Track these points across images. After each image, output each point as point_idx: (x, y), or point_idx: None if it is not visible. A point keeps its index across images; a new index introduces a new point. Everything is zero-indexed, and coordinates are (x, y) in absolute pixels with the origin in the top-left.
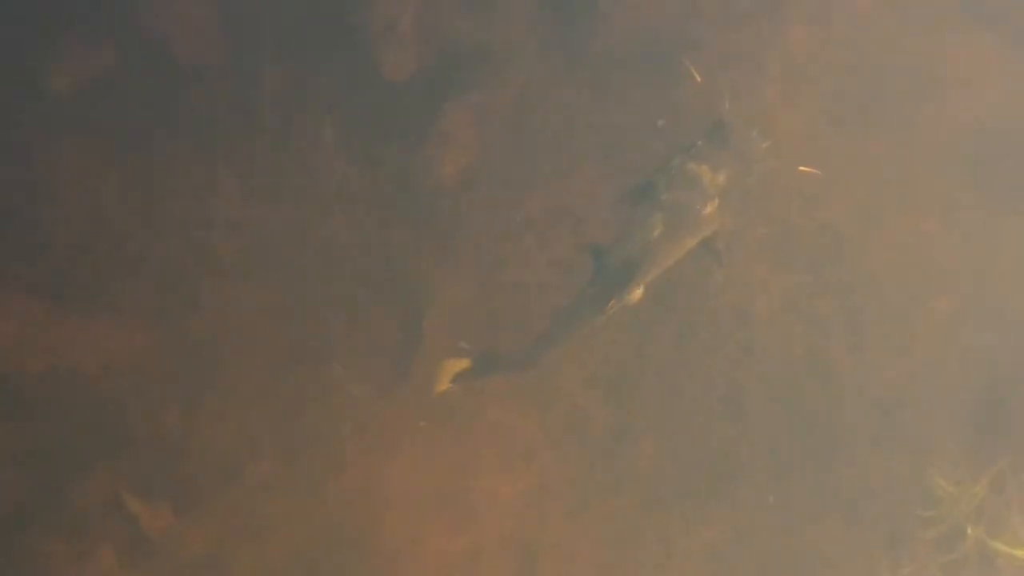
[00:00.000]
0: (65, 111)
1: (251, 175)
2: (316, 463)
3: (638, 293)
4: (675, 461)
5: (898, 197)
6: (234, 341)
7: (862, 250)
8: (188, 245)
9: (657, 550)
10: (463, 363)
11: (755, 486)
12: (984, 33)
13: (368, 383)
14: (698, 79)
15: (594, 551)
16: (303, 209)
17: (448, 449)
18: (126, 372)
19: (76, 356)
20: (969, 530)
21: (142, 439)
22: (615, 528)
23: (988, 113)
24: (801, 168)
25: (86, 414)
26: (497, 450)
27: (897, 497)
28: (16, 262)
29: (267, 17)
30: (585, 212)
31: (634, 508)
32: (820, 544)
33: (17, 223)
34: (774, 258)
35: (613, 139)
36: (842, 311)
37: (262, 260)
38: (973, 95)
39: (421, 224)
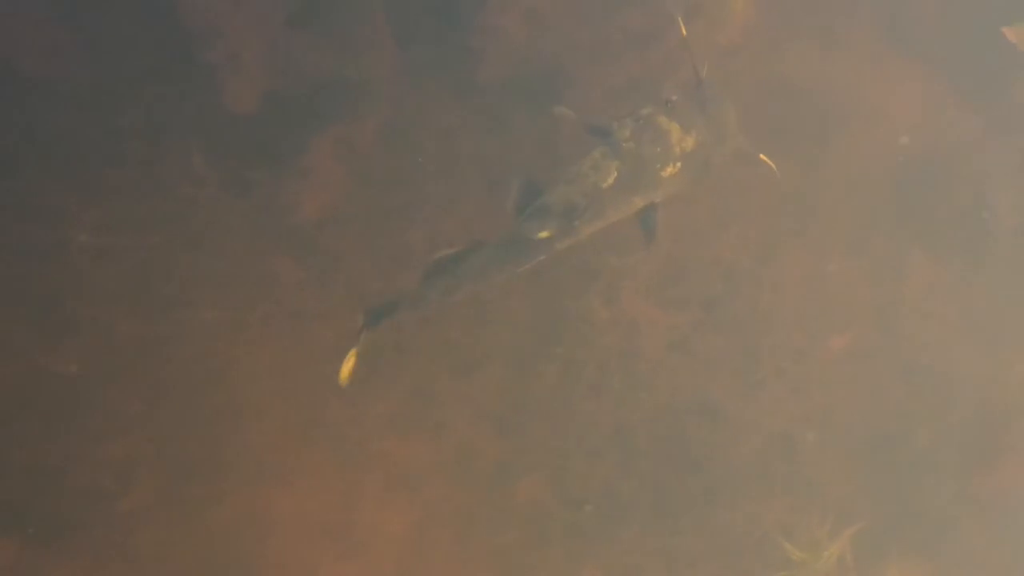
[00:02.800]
0: None
1: (116, 202)
2: (195, 492)
3: (564, 246)
4: (561, 499)
5: (799, 231)
6: (105, 368)
7: (757, 287)
8: (53, 272)
9: None
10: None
11: (638, 527)
12: (902, 64)
13: (248, 410)
14: (684, 32)
15: None
16: (173, 237)
17: (334, 479)
18: None
19: None
20: None
21: (11, 469)
22: (500, 564)
23: (900, 146)
24: (762, 157)
25: None
26: (384, 481)
27: (776, 544)
28: None
29: (130, 41)
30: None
31: (520, 544)
32: None
33: None
34: (663, 295)
35: (496, 166)
36: (733, 350)
37: (132, 288)
38: (886, 127)
39: (297, 256)
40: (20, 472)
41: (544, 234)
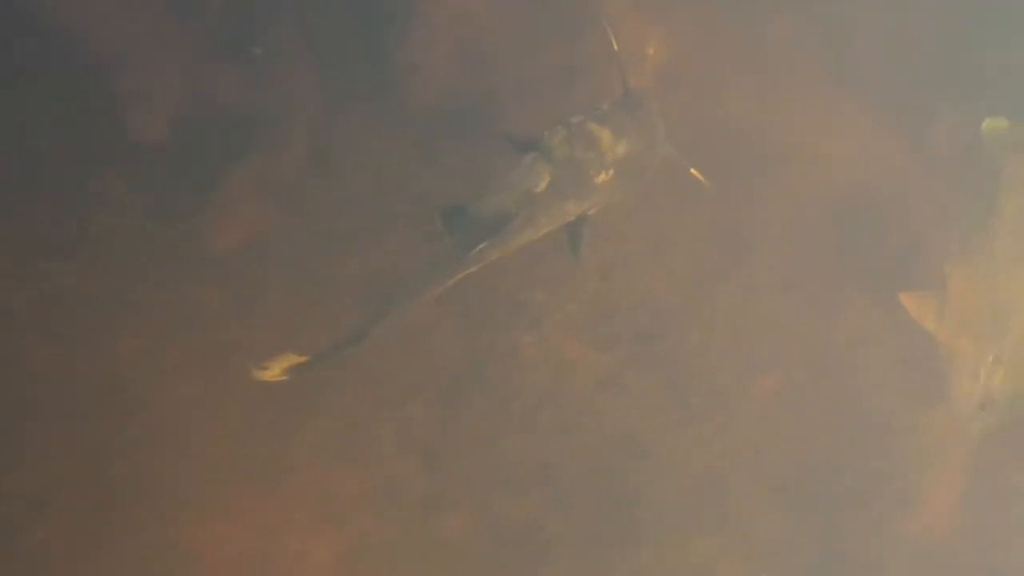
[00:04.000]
0: None
1: (32, 228)
2: (113, 523)
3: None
4: (487, 534)
5: (732, 270)
6: (16, 396)
7: (687, 324)
8: None
9: None
10: (301, 359)
11: (560, 566)
12: (840, 103)
13: (170, 439)
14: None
15: None
16: (97, 264)
17: (259, 510)
18: None
19: None
20: None
21: None
22: None
23: (840, 185)
24: (693, 171)
25: None
26: (311, 512)
27: None
28: None
29: (42, 70)
30: (403, 272)
31: None
32: None
33: None
34: (589, 333)
35: (426, 196)
36: (660, 389)
37: (48, 315)
38: (822, 165)
39: (220, 286)
40: None
41: (476, 249)
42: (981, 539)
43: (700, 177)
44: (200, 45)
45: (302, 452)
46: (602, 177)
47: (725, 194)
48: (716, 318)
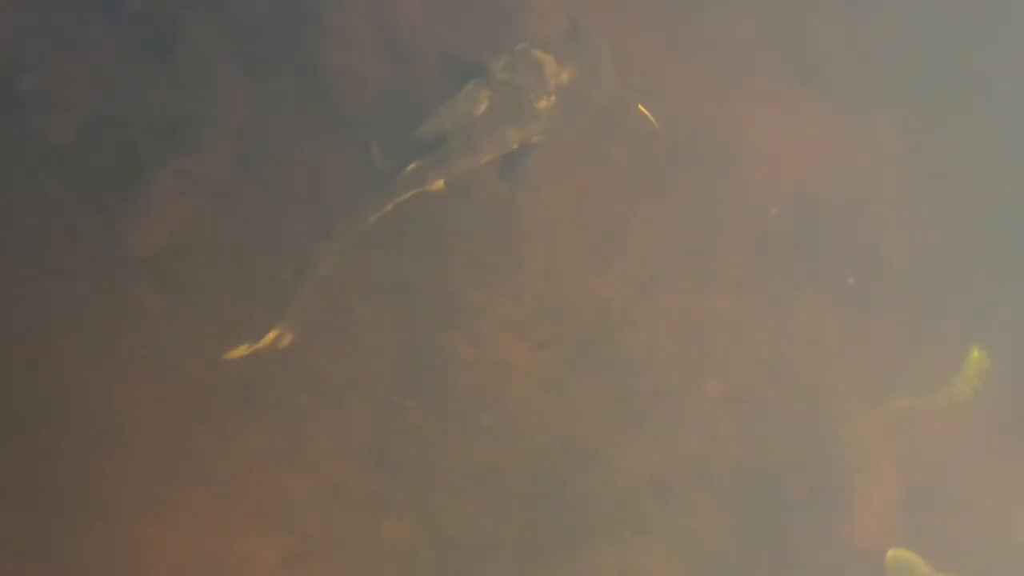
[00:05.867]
0: None
1: None
2: (59, 524)
3: (439, 182)
4: (432, 537)
5: (682, 271)
6: None
7: (632, 327)
8: None
9: None
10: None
11: (502, 569)
12: (799, 103)
13: (114, 441)
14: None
15: None
16: (31, 265)
17: (204, 511)
18: None
19: None
20: None
21: None
22: None
23: (794, 185)
24: (641, 108)
25: None
26: (255, 513)
27: None
28: None
29: None
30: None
31: None
32: None
33: None
34: (533, 334)
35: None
36: (605, 391)
37: None
38: (779, 165)
39: (158, 287)
40: None
41: (413, 165)
42: (915, 545)
43: (648, 115)
44: (121, 47)
45: (247, 454)
46: (544, 103)
47: (676, 193)
48: (664, 319)
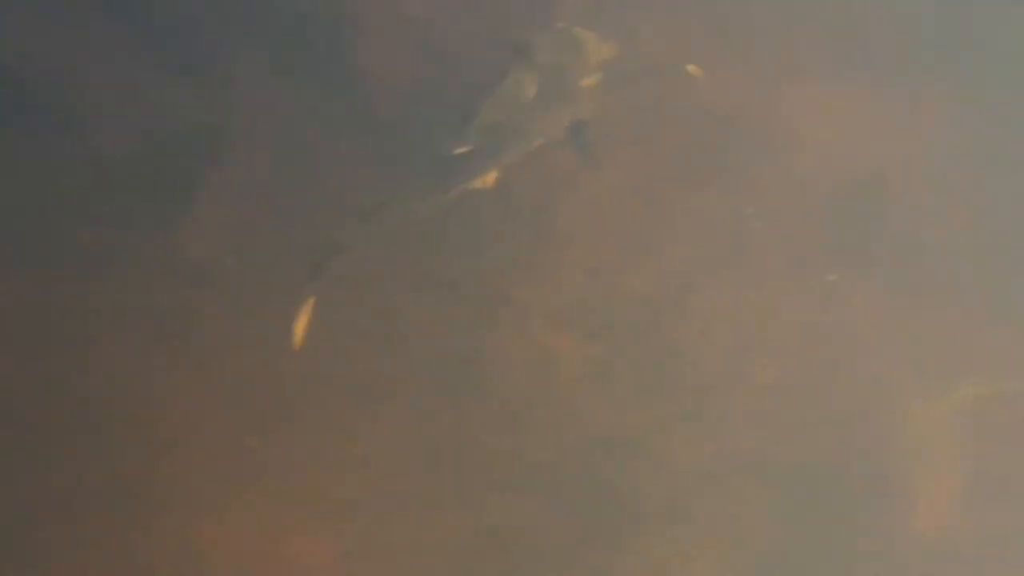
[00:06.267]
0: None
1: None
2: (114, 524)
3: (492, 175)
4: (484, 531)
5: (727, 261)
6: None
7: (680, 319)
8: None
9: None
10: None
11: (551, 566)
12: (838, 89)
13: (164, 443)
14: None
15: None
16: (70, 273)
17: (257, 510)
18: None
19: None
20: None
21: None
22: None
23: (838, 174)
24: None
25: None
26: (308, 513)
27: None
28: None
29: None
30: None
31: None
32: None
33: None
34: (577, 326)
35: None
36: (651, 383)
37: (33, 323)
38: (821, 155)
39: (204, 289)
40: None
41: (464, 149)
42: (980, 536)
43: (698, 72)
44: (160, 60)
45: (297, 454)
46: (588, 80)
47: (718, 184)
48: (714, 309)
